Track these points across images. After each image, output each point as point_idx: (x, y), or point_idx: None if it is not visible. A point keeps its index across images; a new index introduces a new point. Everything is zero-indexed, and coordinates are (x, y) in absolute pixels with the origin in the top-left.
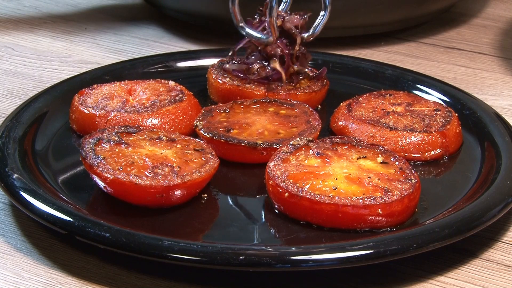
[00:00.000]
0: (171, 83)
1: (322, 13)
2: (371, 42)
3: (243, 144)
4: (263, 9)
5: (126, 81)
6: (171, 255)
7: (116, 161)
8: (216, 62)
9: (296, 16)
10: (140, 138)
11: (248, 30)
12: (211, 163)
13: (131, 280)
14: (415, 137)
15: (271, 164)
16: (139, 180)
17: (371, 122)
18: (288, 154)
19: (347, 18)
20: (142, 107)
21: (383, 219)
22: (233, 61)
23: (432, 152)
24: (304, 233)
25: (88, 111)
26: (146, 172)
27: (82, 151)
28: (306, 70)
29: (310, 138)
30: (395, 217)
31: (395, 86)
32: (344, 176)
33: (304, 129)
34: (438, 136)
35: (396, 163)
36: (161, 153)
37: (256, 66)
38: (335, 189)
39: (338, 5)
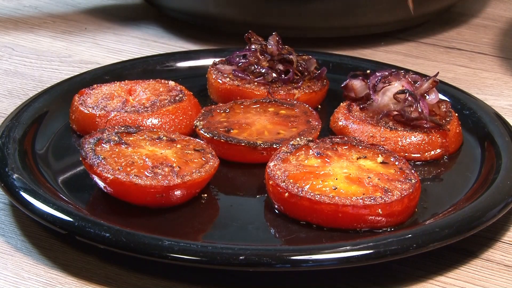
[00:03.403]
0: (171, 83)
1: None
2: (371, 42)
3: (243, 144)
4: (248, 35)
5: (126, 81)
6: (171, 255)
7: (116, 161)
8: (216, 62)
9: (271, 42)
10: (140, 138)
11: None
12: (211, 163)
13: (131, 280)
14: (415, 137)
15: (271, 164)
16: (139, 180)
17: (371, 122)
18: (288, 154)
19: (347, 18)
20: (142, 107)
21: (383, 219)
22: (232, 64)
23: (432, 152)
24: (304, 233)
25: (88, 111)
26: (146, 172)
27: (82, 151)
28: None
29: (310, 138)
30: (395, 217)
31: None
32: (344, 176)
33: (304, 129)
34: (438, 136)
35: (396, 163)
36: (161, 153)
37: (263, 70)
38: (335, 189)
39: (338, 5)
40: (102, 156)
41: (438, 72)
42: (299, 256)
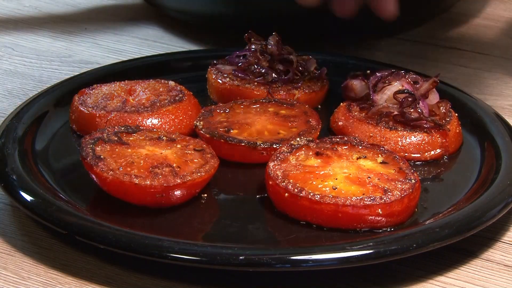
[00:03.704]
0: (171, 83)
1: None
2: (371, 42)
3: (243, 144)
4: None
5: (126, 81)
6: (171, 255)
7: (116, 161)
8: (216, 62)
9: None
10: (140, 138)
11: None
12: (211, 163)
13: (131, 280)
14: (415, 137)
15: (271, 164)
16: (139, 180)
17: (371, 122)
18: (288, 154)
19: (347, 18)
20: (142, 107)
21: (383, 219)
22: (232, 64)
23: (432, 152)
24: (304, 233)
25: (88, 111)
26: (146, 172)
27: (82, 151)
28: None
29: (310, 138)
30: (395, 217)
31: None
32: (344, 176)
33: (304, 129)
34: (438, 136)
35: (396, 163)
36: (161, 153)
37: (263, 70)
38: (335, 189)
39: None
40: (102, 156)
41: (439, 74)
42: (299, 256)
